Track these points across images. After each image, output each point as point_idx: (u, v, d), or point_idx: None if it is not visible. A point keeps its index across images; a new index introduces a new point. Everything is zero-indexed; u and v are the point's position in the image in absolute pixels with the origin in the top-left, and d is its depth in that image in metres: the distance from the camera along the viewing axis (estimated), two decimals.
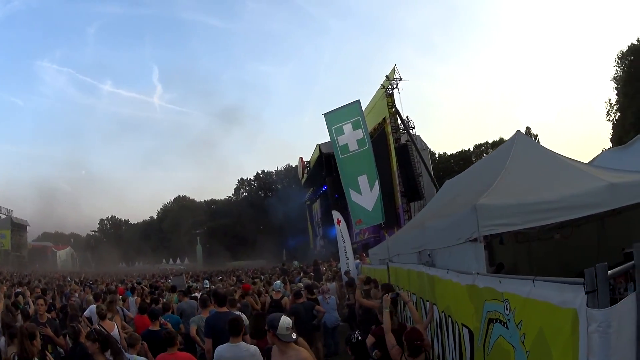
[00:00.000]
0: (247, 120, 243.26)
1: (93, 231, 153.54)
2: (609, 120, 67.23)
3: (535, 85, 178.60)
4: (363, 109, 28.18)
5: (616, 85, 61.90)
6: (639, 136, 13.44)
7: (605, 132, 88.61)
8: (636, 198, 7.62)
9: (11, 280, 35.20)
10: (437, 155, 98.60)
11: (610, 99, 66.20)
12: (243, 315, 10.93)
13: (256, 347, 8.41)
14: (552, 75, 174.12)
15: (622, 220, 10.14)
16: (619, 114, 62.64)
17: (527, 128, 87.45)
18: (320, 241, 76.62)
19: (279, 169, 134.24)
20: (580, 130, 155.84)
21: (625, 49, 60.31)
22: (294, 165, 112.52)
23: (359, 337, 8.26)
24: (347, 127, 19.37)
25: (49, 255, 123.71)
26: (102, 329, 10.60)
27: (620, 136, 53.76)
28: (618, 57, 61.05)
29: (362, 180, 18.52)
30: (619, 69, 61.05)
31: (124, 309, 16.04)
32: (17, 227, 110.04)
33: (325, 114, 21.09)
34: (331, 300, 16.32)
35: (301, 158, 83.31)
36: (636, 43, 59.16)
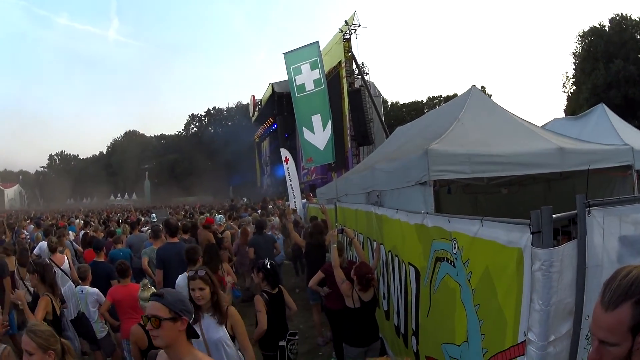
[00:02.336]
0: (201, 56, 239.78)
1: (42, 167, 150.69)
2: (564, 92, 68.57)
3: (495, 47, 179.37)
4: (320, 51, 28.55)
5: (574, 61, 62.97)
6: (593, 109, 13.82)
7: (559, 103, 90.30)
8: (582, 164, 7.91)
9: None
10: (389, 103, 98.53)
11: (567, 73, 67.70)
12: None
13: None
14: (514, 41, 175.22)
15: (567, 184, 10.48)
16: (574, 87, 63.79)
17: (482, 87, 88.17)
18: (268, 179, 76.65)
19: (231, 105, 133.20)
20: (534, 98, 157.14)
21: (587, 29, 61.56)
22: (245, 103, 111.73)
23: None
24: (305, 67, 19.37)
25: None
26: (52, 262, 10.66)
27: (574, 109, 54.92)
28: (579, 35, 62.14)
29: (316, 119, 18.52)
30: (578, 46, 62.10)
31: (74, 242, 16.07)
32: None
33: (285, 54, 21.02)
34: (278, 238, 16.47)
35: (253, 96, 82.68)
36: (597, 26, 60.41)
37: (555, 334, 3.60)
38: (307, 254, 11.78)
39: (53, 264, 10.66)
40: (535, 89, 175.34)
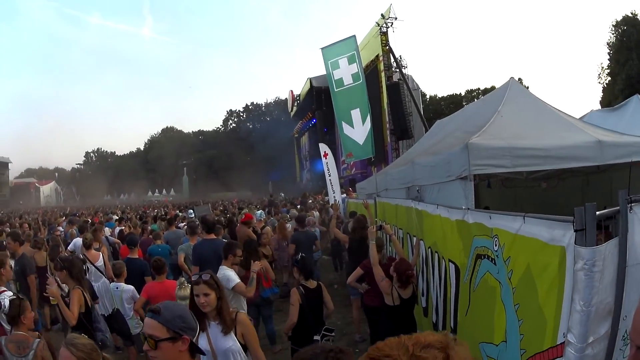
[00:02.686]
0: (238, 52, 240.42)
1: (78, 164, 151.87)
2: (599, 83, 67.58)
3: (532, 39, 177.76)
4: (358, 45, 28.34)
5: (609, 51, 61.96)
6: (628, 100, 13.56)
7: (595, 94, 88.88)
8: (621, 157, 7.75)
9: None
10: (428, 97, 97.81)
11: (602, 63, 66.53)
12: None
13: (232, 274, 8.32)
14: (550, 33, 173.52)
15: (605, 178, 10.33)
16: (609, 78, 62.82)
17: (520, 79, 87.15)
18: (307, 174, 76.65)
19: (269, 101, 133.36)
20: (570, 89, 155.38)
21: (620, 18, 60.44)
22: (283, 98, 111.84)
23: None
24: (343, 62, 19.32)
25: (32, 191, 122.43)
26: (86, 259, 10.73)
27: (609, 100, 54.09)
28: (613, 25, 61.07)
29: (355, 113, 18.44)
30: (612, 36, 61.10)
31: (110, 237, 16.15)
32: None
33: (322, 48, 20.99)
34: (316, 231, 16.41)
35: (291, 91, 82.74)
36: (630, 15, 59.29)
37: (594, 335, 3.53)
38: (350, 249, 11.71)
39: (87, 261, 10.77)
40: (572, 80, 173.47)
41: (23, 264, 10.71)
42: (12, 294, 7.69)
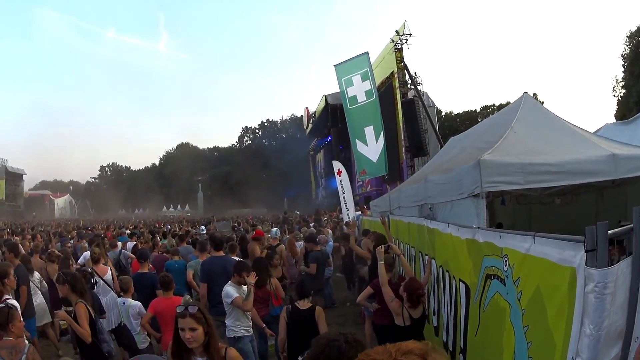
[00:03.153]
0: (253, 69, 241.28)
1: (93, 178, 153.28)
2: (614, 96, 67.04)
3: (546, 53, 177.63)
4: (372, 62, 28.24)
5: (624, 63, 61.50)
6: None
7: (610, 107, 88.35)
8: (636, 170, 7.61)
9: (5, 228, 34.82)
10: (443, 113, 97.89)
11: (616, 76, 66.00)
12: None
13: (231, 289, 8.43)
14: (565, 46, 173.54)
15: (620, 193, 10.19)
16: (624, 91, 62.35)
17: (534, 94, 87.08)
18: (323, 192, 76.67)
19: (284, 118, 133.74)
20: (585, 103, 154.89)
21: (634, 29, 59.94)
22: (299, 115, 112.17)
23: None
24: (357, 79, 19.30)
25: (46, 203, 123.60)
26: (95, 273, 10.74)
27: (624, 113, 53.50)
28: (627, 36, 60.60)
29: (369, 131, 18.40)
30: (627, 48, 60.64)
31: (124, 250, 16.13)
32: (13, 177, 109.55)
33: (335, 65, 21.00)
34: (328, 247, 16.34)
35: (307, 108, 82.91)
36: None
37: (604, 359, 3.39)
38: (371, 267, 11.60)
39: (95, 274, 10.76)
40: (587, 94, 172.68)
41: (17, 275, 10.71)
42: (14, 302, 7.71)
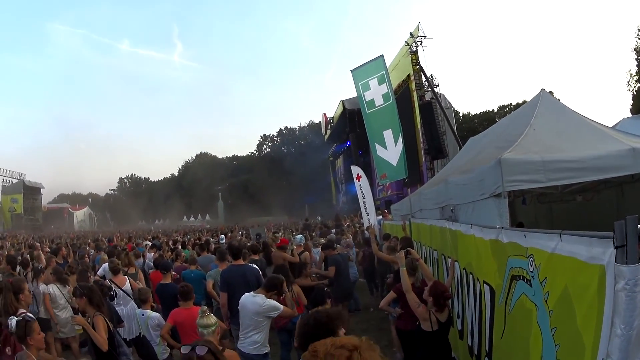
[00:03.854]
0: (269, 77, 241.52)
1: (112, 190, 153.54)
2: (628, 90, 66.60)
3: (558, 51, 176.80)
4: (387, 66, 28.03)
5: (637, 57, 61.11)
6: None
7: (625, 101, 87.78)
8: None
9: (23, 242, 35.02)
10: (461, 115, 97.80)
11: (630, 70, 65.52)
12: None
13: (275, 302, 8.16)
14: (576, 43, 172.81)
15: (639, 188, 10.04)
16: (638, 85, 61.92)
17: (550, 92, 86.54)
18: (343, 197, 76.62)
19: (302, 125, 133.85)
20: (600, 98, 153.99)
21: None
22: (317, 122, 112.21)
23: None
24: (373, 83, 19.29)
25: (65, 216, 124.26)
26: (114, 284, 10.74)
27: (639, 107, 53.24)
28: (638, 29, 60.21)
29: (387, 134, 18.44)
30: (638, 41, 60.27)
31: (147, 261, 16.12)
32: (31, 191, 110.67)
33: (352, 70, 21.00)
34: (352, 254, 16.26)
35: (324, 114, 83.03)
36: None
37: None
38: (397, 271, 11.49)
39: (115, 285, 10.75)
40: (601, 89, 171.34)
41: None
42: (31, 316, 7.71)
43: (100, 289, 9.27)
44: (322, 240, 17.22)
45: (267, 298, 8.16)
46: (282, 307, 8.09)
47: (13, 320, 6.56)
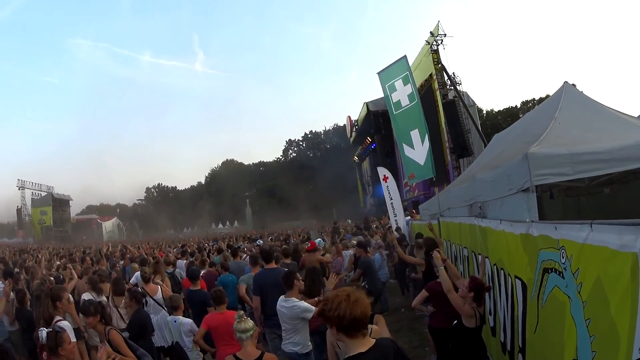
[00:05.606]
0: (292, 82, 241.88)
1: (140, 200, 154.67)
2: None
3: (580, 42, 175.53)
4: (410, 65, 28.26)
5: None
6: None
7: None
8: None
9: (53, 253, 35.28)
10: (484, 112, 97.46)
11: None
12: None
13: (307, 304, 8.30)
14: (598, 34, 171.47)
15: None
16: None
17: (573, 84, 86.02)
18: (371, 199, 76.60)
19: (327, 128, 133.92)
20: (624, 89, 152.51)
21: None
22: (342, 125, 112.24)
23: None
24: (399, 83, 19.36)
25: (94, 227, 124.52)
26: (146, 292, 10.84)
27: None
28: None
29: (415, 134, 18.51)
30: None
31: (178, 269, 16.22)
32: (59, 203, 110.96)
33: (378, 73, 21.08)
34: (377, 255, 16.26)
35: (349, 117, 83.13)
36: None
37: None
38: (425, 272, 11.45)
39: (146, 294, 10.85)
40: (624, 80, 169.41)
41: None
42: (65, 323, 7.77)
43: (134, 296, 9.42)
44: (354, 242, 17.21)
45: (299, 300, 8.26)
46: (313, 308, 8.09)
47: (44, 332, 6.63)
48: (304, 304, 8.25)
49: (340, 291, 4.00)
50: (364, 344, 3.91)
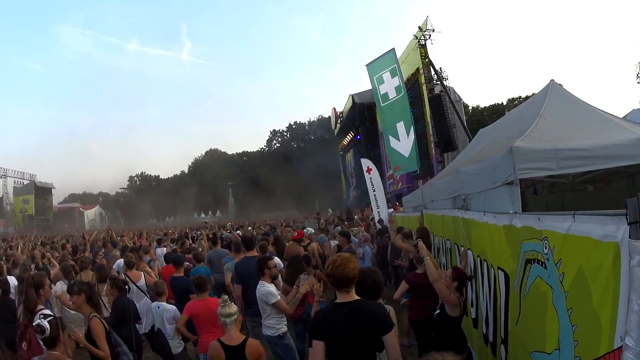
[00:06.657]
0: (278, 73, 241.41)
1: (122, 189, 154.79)
2: (638, 82, 66.46)
3: (568, 43, 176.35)
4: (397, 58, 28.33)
5: None
6: None
7: (635, 94, 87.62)
8: None
9: (34, 242, 35.12)
10: (470, 108, 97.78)
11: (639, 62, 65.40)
12: (277, 260, 10.97)
13: (273, 289, 8.62)
14: (586, 35, 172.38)
15: None
16: None
17: (560, 84, 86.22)
18: (354, 191, 76.83)
19: (312, 120, 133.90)
20: (609, 90, 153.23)
21: None
22: (326, 116, 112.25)
23: None
24: (386, 76, 19.44)
25: (76, 216, 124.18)
26: (129, 279, 10.83)
27: None
28: None
29: (400, 126, 18.61)
30: None
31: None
32: (41, 191, 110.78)
33: (367, 65, 21.14)
34: (367, 249, 16.31)
35: (334, 108, 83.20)
36: None
37: None
38: (412, 261, 11.51)
39: (129, 280, 10.92)
40: (610, 81, 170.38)
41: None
42: (49, 312, 7.74)
43: (115, 283, 9.39)
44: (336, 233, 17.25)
45: (268, 282, 8.54)
46: (277, 296, 8.44)
47: (45, 323, 6.47)
48: (269, 287, 8.48)
49: (339, 255, 5.25)
50: (346, 298, 5.10)
